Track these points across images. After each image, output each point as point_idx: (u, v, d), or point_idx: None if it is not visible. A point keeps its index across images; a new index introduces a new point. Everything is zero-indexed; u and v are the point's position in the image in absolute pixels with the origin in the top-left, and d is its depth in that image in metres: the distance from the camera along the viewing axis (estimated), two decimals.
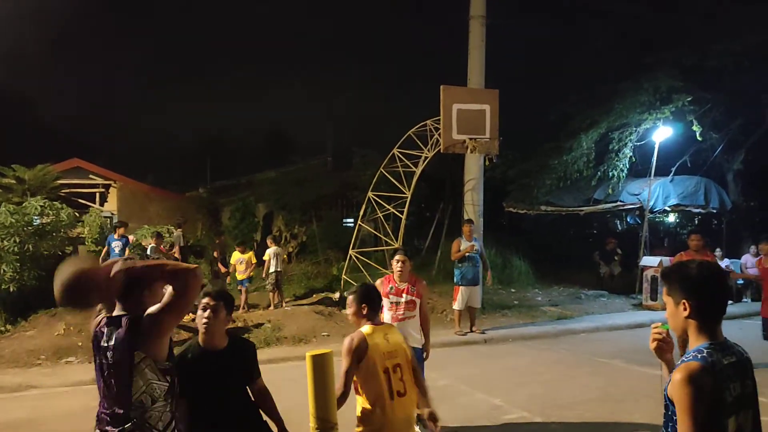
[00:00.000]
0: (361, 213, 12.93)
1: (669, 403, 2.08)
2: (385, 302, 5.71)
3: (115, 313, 2.63)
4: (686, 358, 2.08)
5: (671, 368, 2.28)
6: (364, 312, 3.74)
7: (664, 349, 2.31)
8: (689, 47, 14.85)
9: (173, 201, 22.05)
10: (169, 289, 2.57)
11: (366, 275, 12.46)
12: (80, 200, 18.18)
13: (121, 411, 2.55)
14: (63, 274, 2.44)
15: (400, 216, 12.18)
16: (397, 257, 5.75)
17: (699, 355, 2.06)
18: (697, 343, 2.13)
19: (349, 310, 3.83)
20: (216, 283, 12.22)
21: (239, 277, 12.11)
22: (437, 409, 6.22)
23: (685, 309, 2.15)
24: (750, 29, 14.08)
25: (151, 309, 2.56)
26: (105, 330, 2.61)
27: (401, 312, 5.62)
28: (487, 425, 5.99)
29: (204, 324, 3.31)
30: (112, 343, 2.57)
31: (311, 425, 2.86)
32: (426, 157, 11.90)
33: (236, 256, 12.35)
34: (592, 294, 14.74)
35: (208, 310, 3.29)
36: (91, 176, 19.58)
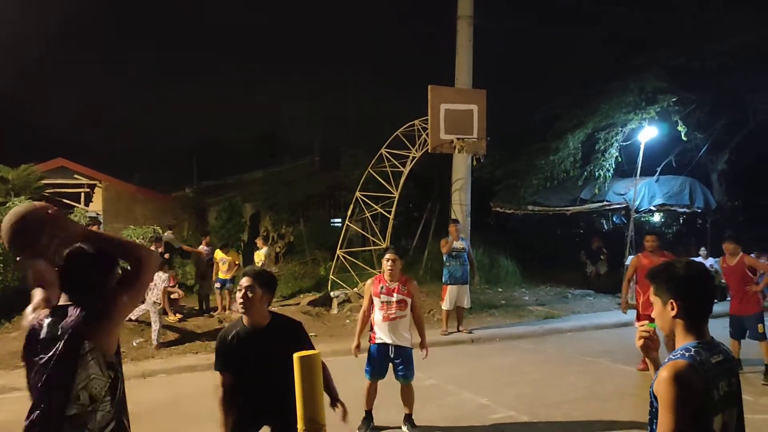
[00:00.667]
0: (349, 213, 12.93)
1: (654, 400, 2.09)
2: (375, 302, 5.70)
3: (60, 303, 2.51)
4: (674, 356, 2.09)
5: (657, 366, 2.29)
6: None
7: (650, 347, 2.33)
8: (674, 48, 14.99)
9: (160, 201, 21.90)
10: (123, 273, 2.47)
11: (353, 275, 12.46)
12: (65, 200, 17.99)
13: (57, 412, 2.40)
14: (15, 209, 2.34)
15: (388, 216, 12.19)
16: (387, 256, 5.71)
17: (687, 354, 2.07)
18: (684, 341, 2.15)
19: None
20: (203, 285, 12.16)
21: (221, 276, 12.05)
22: (425, 408, 6.24)
23: (672, 309, 2.16)
24: (734, 30, 14.24)
25: (105, 292, 2.46)
26: (46, 321, 2.45)
27: (392, 311, 5.60)
28: (474, 425, 6.00)
29: (240, 303, 3.44)
30: (58, 333, 2.40)
31: (299, 426, 2.84)
32: (414, 157, 11.91)
33: (219, 255, 12.32)
34: (578, 293, 14.83)
35: (243, 290, 3.41)
36: (76, 176, 19.39)
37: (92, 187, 19.90)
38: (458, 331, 10.42)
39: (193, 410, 6.39)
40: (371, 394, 5.73)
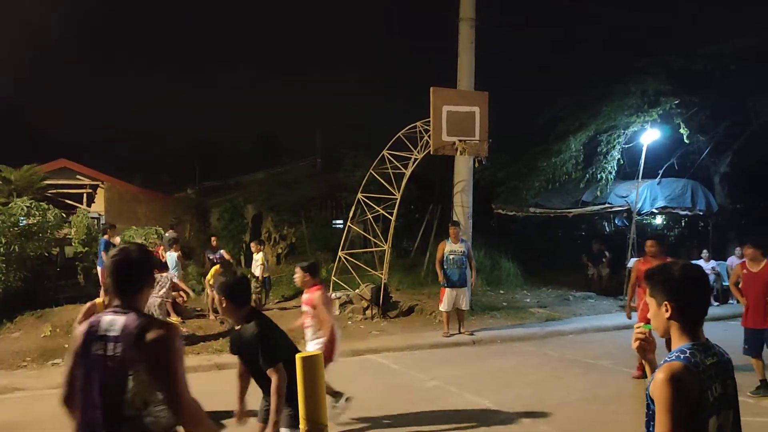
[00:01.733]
0: (351, 214, 12.93)
1: (650, 402, 2.10)
2: None
3: (116, 306, 2.58)
4: (669, 357, 2.11)
5: (654, 368, 2.30)
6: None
7: (646, 349, 2.33)
8: (677, 51, 14.98)
9: (162, 202, 21.94)
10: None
11: (355, 276, 12.46)
12: (67, 201, 18.04)
13: (115, 411, 2.43)
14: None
15: (390, 217, 12.19)
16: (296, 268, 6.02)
17: (682, 355, 2.09)
18: (679, 343, 2.17)
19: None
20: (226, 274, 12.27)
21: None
22: (427, 409, 6.25)
23: (667, 310, 2.18)
24: (736, 33, 14.23)
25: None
26: (104, 319, 2.53)
27: (304, 320, 5.89)
28: (476, 426, 6.01)
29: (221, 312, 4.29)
30: (117, 333, 2.48)
31: (301, 427, 2.85)
32: (416, 159, 11.91)
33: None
34: (580, 295, 14.82)
35: (218, 305, 4.07)
36: (78, 177, 19.43)
37: (94, 187, 19.95)
38: (459, 332, 10.41)
39: None
40: None
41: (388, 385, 5.83)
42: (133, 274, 2.63)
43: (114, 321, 2.50)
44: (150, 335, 2.47)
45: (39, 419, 6.27)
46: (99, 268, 11.21)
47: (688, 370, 2.03)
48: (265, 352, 3.73)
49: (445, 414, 6.33)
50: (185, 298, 11.28)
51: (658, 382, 2.04)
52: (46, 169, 17.53)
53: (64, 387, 2.58)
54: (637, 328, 2.36)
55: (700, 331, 2.19)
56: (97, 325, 2.52)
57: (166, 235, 13.44)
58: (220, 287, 3.90)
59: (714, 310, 13.03)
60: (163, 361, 2.47)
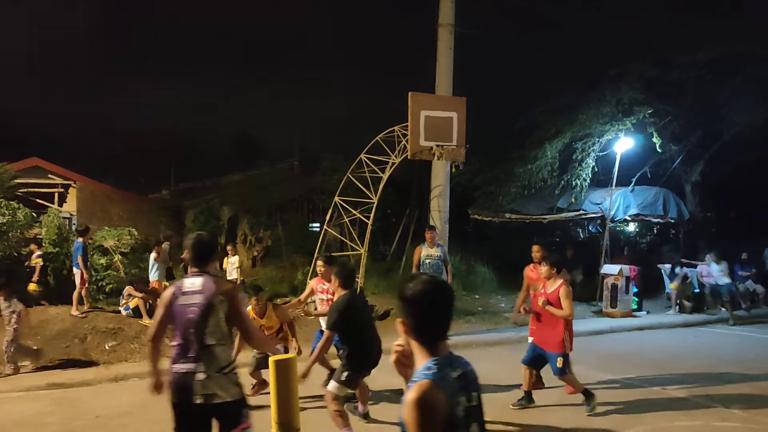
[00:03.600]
0: (328, 218, 12.89)
1: (402, 425, 2.00)
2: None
3: (194, 271, 3.81)
4: (416, 377, 2.04)
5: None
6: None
7: (404, 363, 2.23)
8: (651, 60, 15.22)
9: (135, 202, 21.64)
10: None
11: None
12: (38, 200, 17.69)
13: (198, 342, 3.58)
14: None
15: (367, 221, 12.18)
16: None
17: (429, 372, 2.03)
18: (423, 360, 2.11)
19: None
20: None
21: None
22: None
23: (403, 327, 2.15)
24: (709, 43, 14.52)
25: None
26: (186, 281, 3.72)
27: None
28: None
29: None
30: (199, 288, 3.65)
31: (273, 431, 2.82)
32: (393, 163, 11.93)
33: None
34: None
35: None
36: (50, 176, 19.08)
37: (66, 187, 19.59)
38: None
39: (163, 416, 6.29)
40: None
41: (361, 389, 5.80)
42: (206, 249, 3.88)
43: (194, 281, 3.70)
44: (223, 288, 3.70)
45: (4, 423, 6.13)
46: (77, 270, 10.82)
47: (437, 387, 1.97)
48: (329, 317, 5.21)
49: None
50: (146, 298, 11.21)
51: (408, 404, 1.95)
52: (17, 167, 17.15)
53: (154, 328, 3.87)
54: (397, 343, 2.26)
55: (441, 345, 2.14)
56: (182, 285, 3.72)
57: (162, 247, 13.38)
58: (337, 272, 5.41)
59: (687, 316, 13.21)
60: (235, 305, 3.71)
